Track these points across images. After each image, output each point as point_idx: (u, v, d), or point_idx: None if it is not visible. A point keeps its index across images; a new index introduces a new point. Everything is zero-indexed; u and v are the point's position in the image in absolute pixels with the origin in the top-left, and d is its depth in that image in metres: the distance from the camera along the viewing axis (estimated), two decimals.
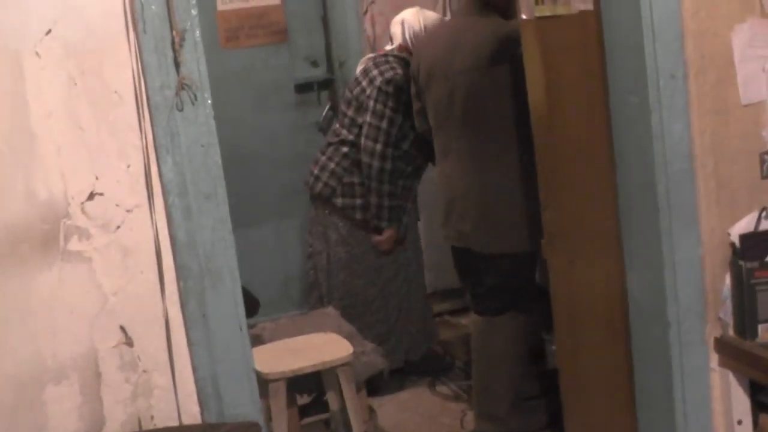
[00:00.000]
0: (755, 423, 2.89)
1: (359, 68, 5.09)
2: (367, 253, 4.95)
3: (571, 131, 3.37)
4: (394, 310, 5.05)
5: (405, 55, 4.89)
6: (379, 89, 4.79)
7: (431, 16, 5.03)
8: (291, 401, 4.28)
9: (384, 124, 4.76)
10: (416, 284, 5.24)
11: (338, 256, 5.01)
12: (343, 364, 4.11)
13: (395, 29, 5.04)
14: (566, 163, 3.46)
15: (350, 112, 4.96)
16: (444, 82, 4.29)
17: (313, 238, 5.20)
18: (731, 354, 2.86)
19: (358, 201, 4.88)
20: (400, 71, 4.83)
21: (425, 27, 4.88)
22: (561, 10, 3.25)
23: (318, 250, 5.16)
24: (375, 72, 4.87)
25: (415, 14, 4.99)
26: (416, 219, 5.30)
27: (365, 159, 4.81)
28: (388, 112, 4.75)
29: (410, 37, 4.91)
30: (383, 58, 4.96)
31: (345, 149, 4.95)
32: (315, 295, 5.28)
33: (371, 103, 4.81)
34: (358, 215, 4.91)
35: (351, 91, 5.01)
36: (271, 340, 4.49)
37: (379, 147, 4.76)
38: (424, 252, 5.44)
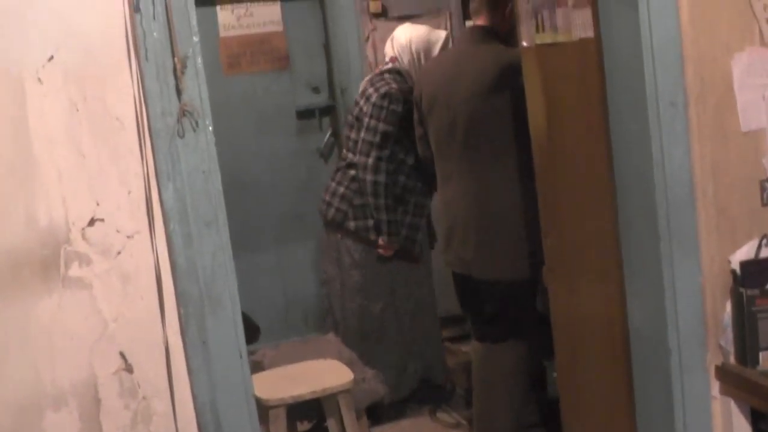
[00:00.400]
0: None
1: (359, 91, 5.10)
2: (382, 275, 4.92)
3: (571, 158, 3.38)
4: (409, 332, 5.02)
5: (398, 66, 4.90)
6: (374, 105, 4.80)
7: (419, 29, 5.02)
8: (291, 428, 4.28)
9: (377, 138, 4.75)
10: (427, 305, 5.19)
11: (353, 280, 4.98)
12: (343, 391, 4.11)
13: (387, 46, 5.08)
14: (567, 190, 3.46)
15: (353, 134, 4.97)
16: (446, 110, 4.30)
17: (326, 265, 5.18)
18: (732, 382, 2.85)
19: (370, 222, 4.86)
20: (394, 85, 4.83)
21: (411, 40, 4.89)
22: (561, 38, 3.27)
23: (332, 276, 5.13)
24: (371, 90, 4.89)
25: (402, 29, 5.03)
26: (432, 239, 5.25)
27: (360, 175, 4.82)
28: (381, 126, 4.75)
29: (398, 50, 4.92)
30: (379, 76, 4.98)
31: (352, 172, 4.94)
32: (329, 321, 5.26)
33: (366, 119, 4.83)
34: (372, 236, 4.89)
35: (352, 114, 5.03)
36: (271, 366, 4.49)
37: (370, 161, 4.75)
38: None
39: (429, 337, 5.14)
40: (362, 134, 4.82)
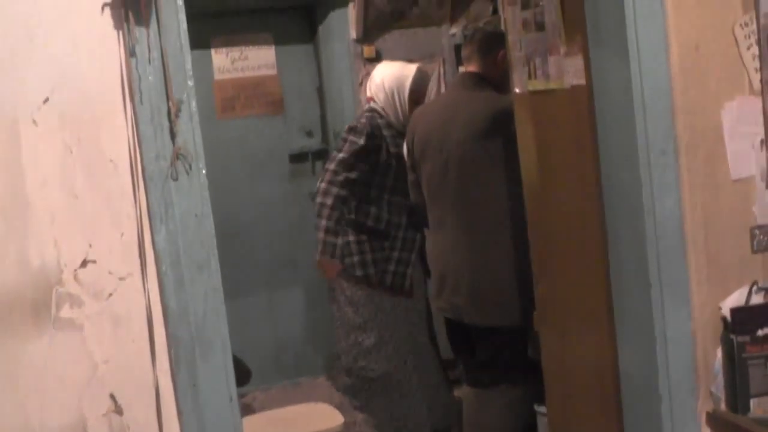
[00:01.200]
0: None
1: None
2: (378, 312, 4.89)
3: (563, 205, 3.39)
4: (412, 369, 4.97)
5: (373, 106, 4.91)
6: (340, 138, 4.86)
7: (392, 67, 5.04)
8: None
9: (332, 166, 4.76)
10: (425, 344, 5.12)
11: (347, 317, 4.95)
12: None
13: (365, 86, 5.13)
14: (558, 237, 3.47)
15: None
16: (438, 155, 4.33)
17: (330, 304, 5.16)
18: (724, 429, 2.85)
19: (356, 258, 4.84)
20: (363, 120, 4.85)
21: (384, 79, 4.91)
22: (553, 85, 3.28)
23: (335, 315, 5.10)
24: (345, 129, 4.91)
25: (378, 68, 5.08)
26: (425, 273, 5.19)
27: (315, 198, 4.84)
28: (339, 155, 4.75)
29: (374, 90, 4.94)
30: (357, 118, 5.01)
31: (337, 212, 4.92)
32: (338, 363, 5.21)
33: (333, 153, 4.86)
34: (358, 272, 4.86)
35: None
36: (262, 410, 4.50)
37: (323, 185, 4.75)
38: None
39: (429, 378, 5.07)
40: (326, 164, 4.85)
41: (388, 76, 4.89)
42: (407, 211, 4.86)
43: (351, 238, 4.83)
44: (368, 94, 5.01)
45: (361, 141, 4.71)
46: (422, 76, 4.97)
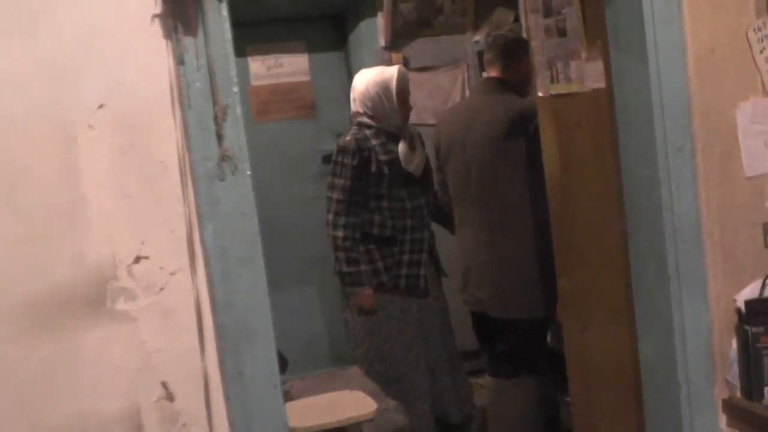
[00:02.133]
0: None
1: None
2: (390, 317, 4.85)
3: (584, 202, 3.40)
4: (426, 370, 4.93)
5: (360, 120, 4.77)
6: (332, 161, 4.73)
7: (370, 72, 4.88)
8: None
9: (334, 194, 4.60)
10: (442, 340, 4.98)
11: (360, 323, 4.93)
12: (366, 420, 4.12)
13: (351, 104, 4.96)
14: (580, 232, 3.48)
15: None
16: (461, 156, 4.34)
17: (342, 313, 5.11)
18: (739, 415, 2.85)
19: (369, 266, 4.80)
20: (348, 137, 4.71)
21: (368, 85, 4.76)
22: (575, 88, 3.29)
23: (349, 323, 5.05)
24: (335, 150, 4.79)
25: (357, 78, 4.90)
26: (440, 272, 5.13)
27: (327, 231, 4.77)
28: (337, 181, 4.60)
29: (360, 99, 4.79)
30: (343, 135, 4.88)
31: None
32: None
33: (329, 177, 4.76)
34: (372, 281, 4.83)
35: None
36: (299, 397, 4.52)
37: (330, 217, 4.63)
38: None
39: (452, 368, 5.02)
40: (327, 191, 4.78)
41: (372, 83, 4.78)
42: (410, 213, 4.81)
43: (360, 248, 4.77)
44: (353, 108, 4.86)
45: (354, 162, 4.62)
46: (404, 75, 4.86)
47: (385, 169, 4.62)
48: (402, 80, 4.73)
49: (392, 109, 4.67)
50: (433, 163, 4.88)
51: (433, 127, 5.18)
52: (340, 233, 4.62)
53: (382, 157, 4.62)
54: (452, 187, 4.48)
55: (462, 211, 4.45)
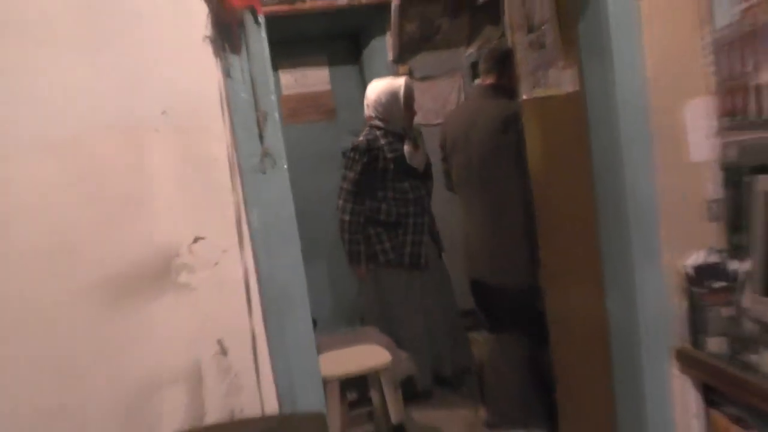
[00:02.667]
0: (707, 416, 2.89)
1: None
2: (394, 288, 4.86)
3: (562, 187, 3.41)
4: (428, 332, 4.93)
5: (372, 123, 4.81)
6: (346, 156, 4.78)
7: (382, 83, 4.92)
8: (342, 398, 4.31)
9: (345, 185, 4.69)
10: (442, 307, 5.06)
11: (373, 293, 4.94)
12: (383, 369, 4.15)
13: (365, 109, 4.98)
14: (559, 212, 3.49)
15: None
16: (464, 151, 4.34)
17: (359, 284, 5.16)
18: (687, 362, 2.86)
19: (377, 247, 4.78)
20: (361, 138, 4.76)
21: (380, 95, 4.81)
22: (554, 92, 3.30)
23: (363, 292, 5.09)
24: (350, 148, 4.84)
25: (370, 88, 4.93)
26: (439, 249, 5.18)
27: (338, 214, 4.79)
28: (349, 174, 4.68)
29: (373, 105, 4.83)
30: (358, 136, 4.92)
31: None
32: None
33: (343, 170, 4.80)
34: (381, 258, 4.82)
35: None
36: (326, 350, 4.53)
37: (340, 203, 4.70)
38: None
39: (450, 330, 5.05)
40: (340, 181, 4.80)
41: (383, 92, 4.79)
42: (412, 202, 4.80)
43: (371, 231, 4.77)
44: (366, 113, 4.90)
45: (364, 159, 4.65)
46: (409, 85, 4.86)
47: (391, 165, 4.64)
48: (408, 90, 4.75)
49: (399, 114, 4.69)
50: (434, 158, 4.89)
51: (435, 127, 5.22)
52: (346, 217, 4.68)
53: (389, 155, 4.64)
54: (456, 176, 4.49)
55: (465, 196, 4.45)
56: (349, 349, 4.46)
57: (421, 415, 4.80)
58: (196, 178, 2.47)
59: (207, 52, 2.44)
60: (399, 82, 4.83)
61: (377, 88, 4.82)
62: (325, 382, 4.00)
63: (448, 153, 4.52)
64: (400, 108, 4.73)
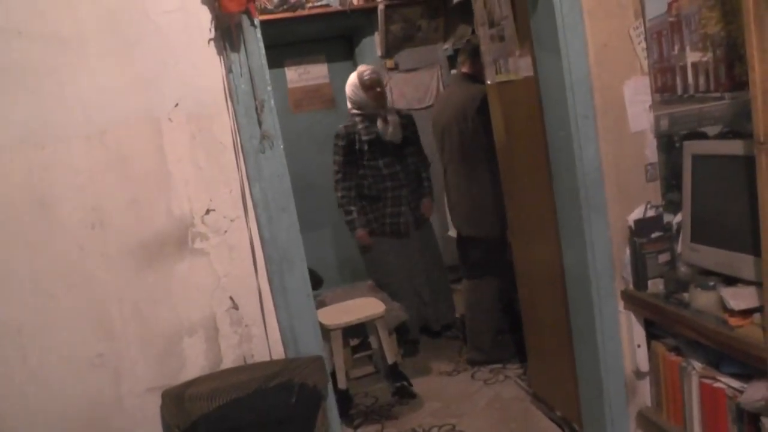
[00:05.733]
0: (649, 346, 2.90)
1: None
2: (379, 252, 4.79)
3: (522, 157, 3.38)
4: (415, 287, 4.88)
5: (352, 111, 4.68)
6: (333, 144, 4.68)
7: (350, 75, 4.76)
8: (345, 343, 4.32)
9: (334, 167, 4.62)
10: (424, 267, 4.92)
11: (365, 258, 4.87)
12: (379, 317, 4.15)
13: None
14: (520, 177, 3.46)
15: None
16: (449, 129, 4.34)
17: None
18: (631, 301, 2.86)
19: (363, 218, 4.74)
20: (341, 125, 4.66)
21: (348, 85, 4.67)
22: (512, 77, 3.27)
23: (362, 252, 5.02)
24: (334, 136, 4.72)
25: (347, 82, 4.76)
26: (421, 219, 5.04)
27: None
28: (335, 157, 4.60)
29: (349, 96, 4.69)
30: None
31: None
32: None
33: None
34: (373, 226, 4.78)
35: None
36: (331, 303, 4.53)
37: (334, 183, 4.66)
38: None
39: (433, 289, 4.98)
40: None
41: (348, 84, 4.62)
42: (389, 177, 4.68)
43: (361, 204, 4.72)
44: (348, 105, 4.74)
45: (343, 143, 4.56)
46: (362, 73, 4.69)
47: (366, 147, 4.58)
48: (361, 76, 4.63)
49: (363, 99, 4.60)
50: (426, 138, 4.88)
51: (419, 111, 5.19)
52: (339, 194, 4.66)
53: (364, 138, 4.58)
54: (448, 152, 4.45)
55: (452, 169, 4.44)
56: (350, 302, 4.46)
57: (411, 359, 4.78)
58: (207, 159, 2.46)
59: (212, 51, 2.42)
60: (354, 73, 4.73)
61: (347, 82, 4.76)
62: (330, 330, 4.01)
63: (440, 134, 4.47)
64: (361, 93, 4.63)
